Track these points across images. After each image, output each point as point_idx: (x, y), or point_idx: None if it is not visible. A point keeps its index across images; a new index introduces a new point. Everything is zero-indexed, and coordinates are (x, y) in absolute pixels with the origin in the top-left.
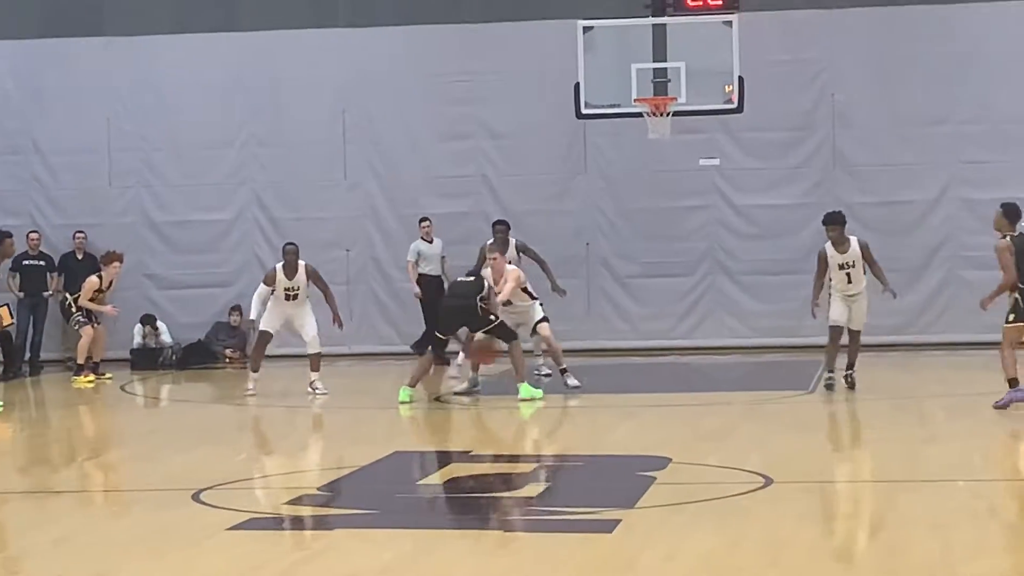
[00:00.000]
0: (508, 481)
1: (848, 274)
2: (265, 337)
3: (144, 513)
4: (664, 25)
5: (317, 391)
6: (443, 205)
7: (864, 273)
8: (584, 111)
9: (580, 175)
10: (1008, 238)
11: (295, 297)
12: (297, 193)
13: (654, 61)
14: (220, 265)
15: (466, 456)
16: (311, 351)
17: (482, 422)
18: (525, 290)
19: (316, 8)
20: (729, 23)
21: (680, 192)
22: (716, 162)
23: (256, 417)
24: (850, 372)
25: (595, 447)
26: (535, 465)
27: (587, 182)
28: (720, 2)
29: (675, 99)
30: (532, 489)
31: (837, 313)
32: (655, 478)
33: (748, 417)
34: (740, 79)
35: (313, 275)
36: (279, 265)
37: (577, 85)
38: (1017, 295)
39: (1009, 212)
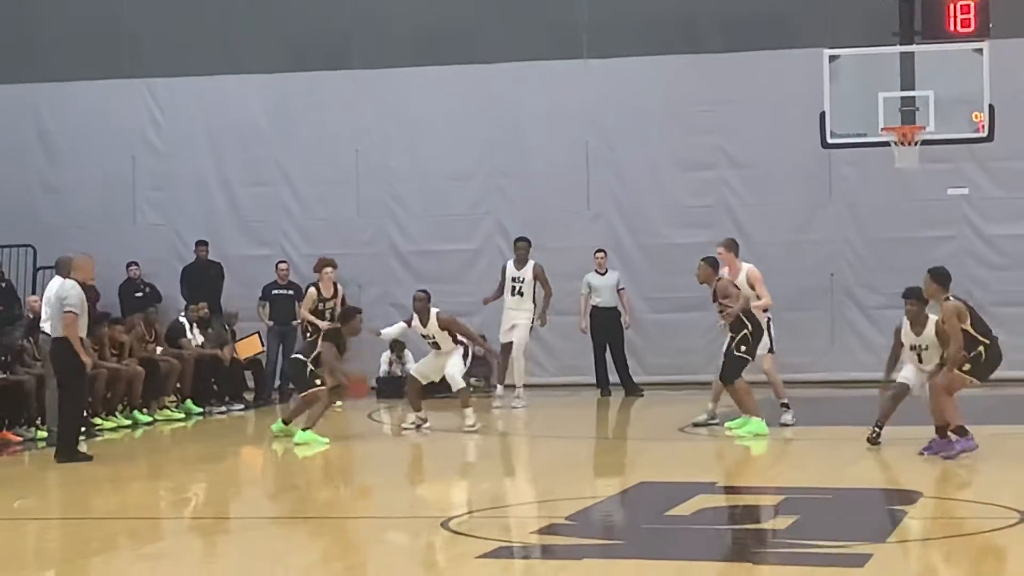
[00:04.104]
0: (755, 513)
1: (919, 355)
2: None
3: (397, 540)
4: (912, 53)
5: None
6: (685, 235)
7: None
8: (830, 140)
9: (825, 205)
10: (953, 299)
11: (435, 346)
12: (540, 223)
13: (901, 89)
14: (466, 295)
15: (712, 487)
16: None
17: (724, 453)
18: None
19: (559, 39)
20: (979, 51)
21: (927, 222)
22: (965, 191)
23: (500, 447)
24: None
25: (840, 480)
26: (782, 497)
27: (832, 212)
28: (971, 29)
29: (923, 128)
30: (780, 521)
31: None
32: (906, 512)
33: (996, 451)
34: (990, 107)
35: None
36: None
37: (823, 114)
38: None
39: (940, 278)
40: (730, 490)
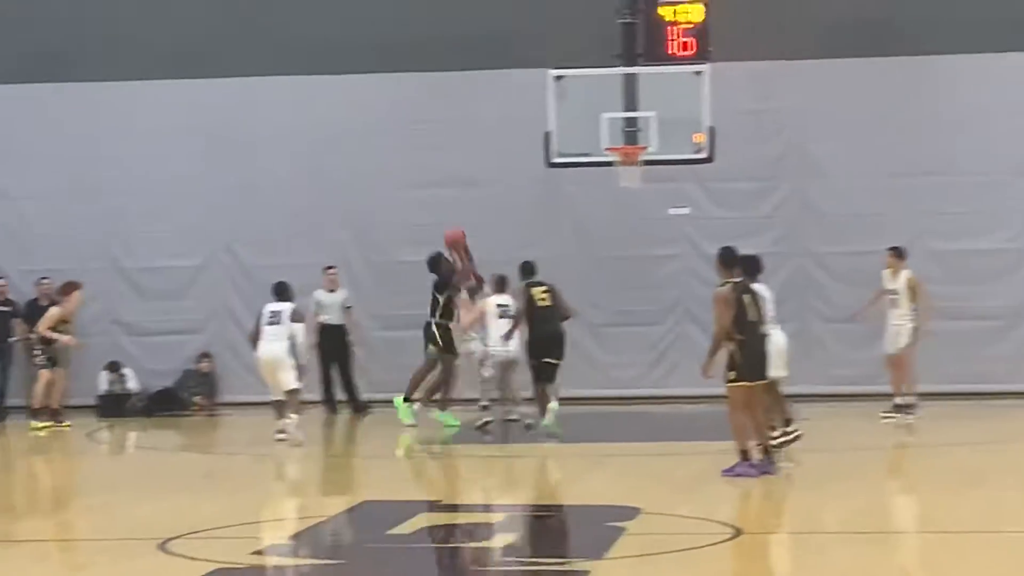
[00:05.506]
0: (477, 531)
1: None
2: None
3: (109, 563)
4: (635, 75)
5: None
6: (412, 253)
7: None
8: (555, 160)
9: (551, 223)
10: (728, 285)
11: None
12: (267, 240)
13: (625, 110)
14: (189, 312)
15: (436, 505)
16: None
17: (451, 471)
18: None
19: (289, 55)
20: (700, 73)
21: (651, 241)
22: (686, 211)
23: (224, 465)
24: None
25: (564, 497)
26: (504, 515)
27: (557, 230)
28: (692, 52)
29: (646, 148)
30: (501, 539)
31: None
32: (625, 528)
33: (719, 467)
34: (711, 129)
35: None
36: None
37: (548, 134)
38: (735, 347)
39: (725, 258)
40: (453, 508)
